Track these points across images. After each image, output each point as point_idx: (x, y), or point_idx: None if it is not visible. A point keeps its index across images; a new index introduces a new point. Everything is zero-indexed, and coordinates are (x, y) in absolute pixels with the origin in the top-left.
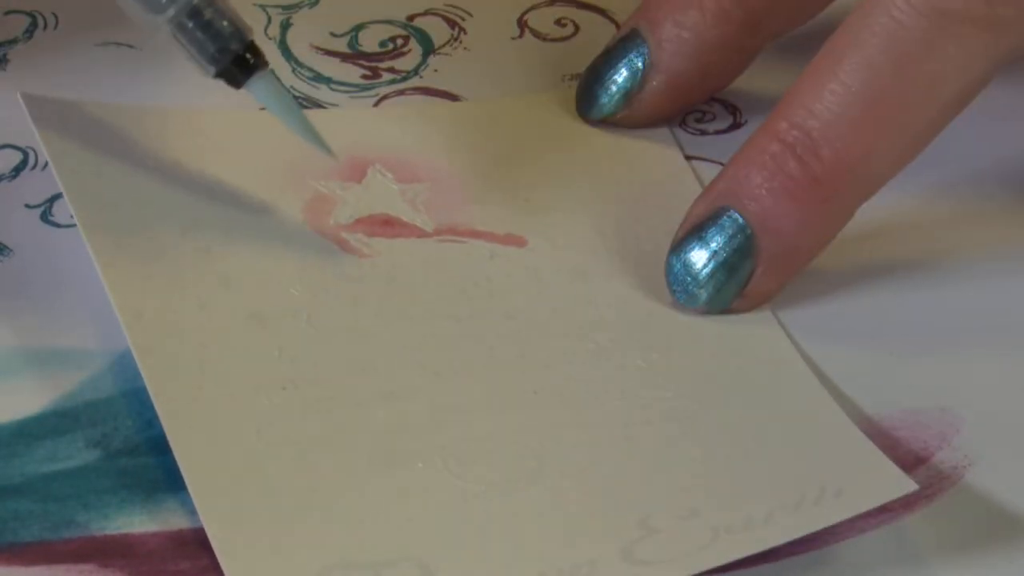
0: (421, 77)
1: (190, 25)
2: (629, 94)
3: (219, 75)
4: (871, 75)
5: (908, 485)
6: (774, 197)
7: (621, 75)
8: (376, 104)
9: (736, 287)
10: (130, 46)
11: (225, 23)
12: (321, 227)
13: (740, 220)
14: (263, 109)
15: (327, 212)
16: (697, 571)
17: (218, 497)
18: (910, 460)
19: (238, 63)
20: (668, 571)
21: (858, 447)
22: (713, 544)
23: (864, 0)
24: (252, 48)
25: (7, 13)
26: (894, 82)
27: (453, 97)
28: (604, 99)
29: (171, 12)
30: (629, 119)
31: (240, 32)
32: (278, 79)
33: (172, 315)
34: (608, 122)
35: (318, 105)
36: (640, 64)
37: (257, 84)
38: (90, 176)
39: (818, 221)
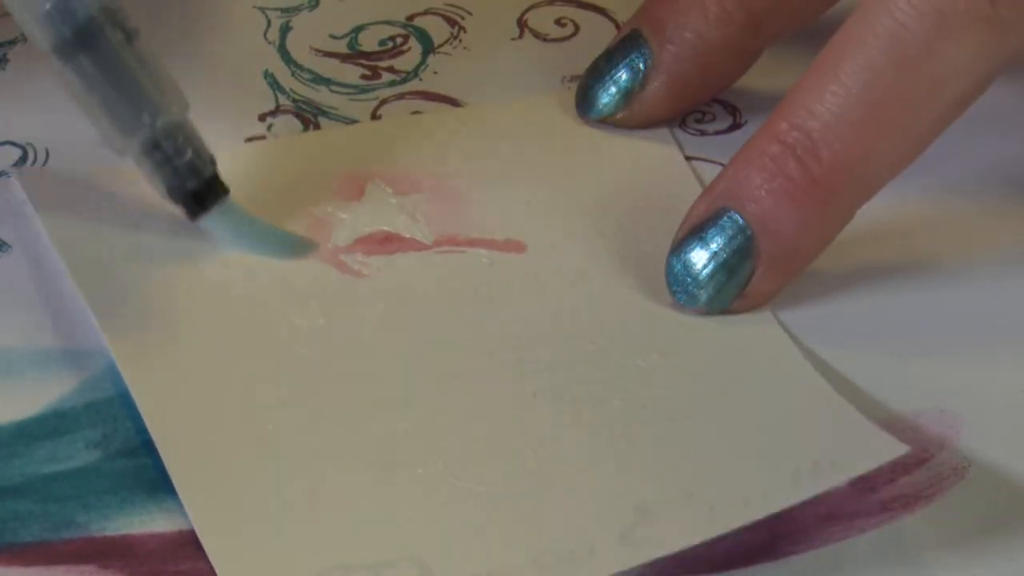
0: (420, 79)
1: (154, 155)
2: (629, 94)
3: (180, 206)
4: (872, 77)
5: (898, 448)
6: (774, 198)
7: (622, 75)
8: (376, 109)
9: (736, 288)
10: None
11: (186, 158)
12: (319, 253)
13: (740, 221)
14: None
15: (325, 236)
16: (695, 542)
17: (214, 500)
18: (910, 461)
19: (195, 198)
20: (665, 546)
21: (849, 420)
22: (709, 520)
23: (866, 1)
24: (209, 184)
25: (6, 14)
26: (895, 84)
27: (453, 101)
28: (604, 99)
29: (137, 139)
30: (629, 120)
31: (197, 169)
32: (238, 210)
33: (166, 348)
34: (607, 122)
35: (318, 108)
36: (641, 65)
37: (212, 221)
38: (84, 235)
39: (817, 222)
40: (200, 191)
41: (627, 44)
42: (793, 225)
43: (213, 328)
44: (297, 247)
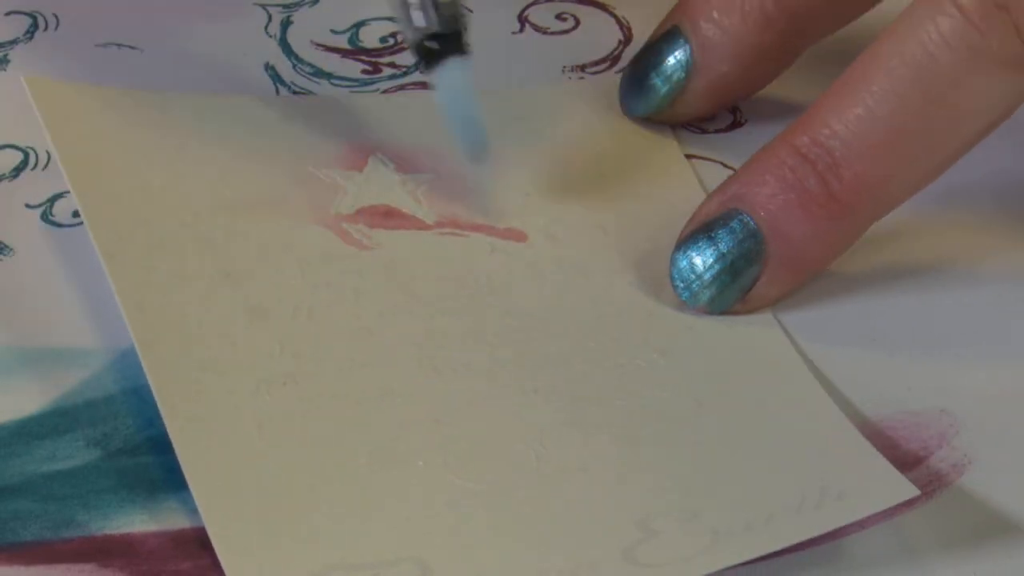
0: (421, 72)
1: None
2: (672, 94)
3: (416, 51)
4: (898, 105)
5: (910, 490)
6: (789, 208)
7: (664, 75)
8: None
9: (739, 291)
10: (131, 47)
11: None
12: (323, 218)
13: (752, 224)
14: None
15: (328, 201)
16: (698, 574)
17: (219, 495)
18: (910, 459)
19: (436, 47)
20: (669, 574)
21: (859, 450)
22: (713, 547)
23: (899, 25)
24: (454, 37)
25: (8, 13)
26: (921, 114)
27: None
28: (648, 98)
29: None
30: (671, 118)
31: (447, 19)
32: (467, 75)
33: (174, 308)
34: (650, 119)
35: None
36: (683, 65)
37: (441, 73)
38: (94, 164)
39: (830, 237)
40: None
41: (668, 42)
42: (805, 236)
43: (218, 290)
44: (484, 147)
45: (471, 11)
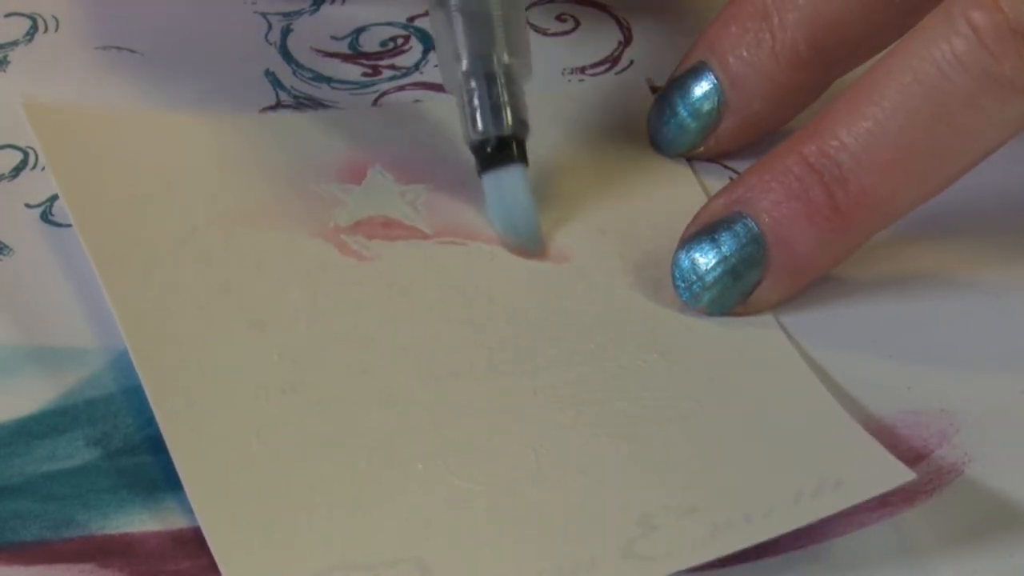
0: (421, 73)
1: (474, 87)
2: (704, 132)
3: (472, 150)
4: (909, 123)
5: (906, 475)
6: (794, 216)
7: (695, 114)
8: (376, 100)
9: (740, 294)
10: (131, 50)
11: (505, 105)
12: (321, 230)
13: (755, 230)
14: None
15: (327, 215)
16: (696, 563)
17: (216, 498)
18: (910, 457)
19: (491, 149)
20: (667, 565)
21: (855, 439)
22: (712, 538)
23: (913, 41)
24: (511, 143)
25: (8, 15)
26: (930, 132)
27: None
28: (681, 138)
29: (464, 67)
30: (703, 154)
31: (502, 122)
32: (522, 183)
33: (171, 321)
34: (681, 155)
35: (320, 104)
36: (714, 102)
37: (491, 178)
38: (89, 183)
39: (833, 246)
40: (498, 141)
41: (696, 80)
42: (809, 245)
43: (216, 303)
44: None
45: None
